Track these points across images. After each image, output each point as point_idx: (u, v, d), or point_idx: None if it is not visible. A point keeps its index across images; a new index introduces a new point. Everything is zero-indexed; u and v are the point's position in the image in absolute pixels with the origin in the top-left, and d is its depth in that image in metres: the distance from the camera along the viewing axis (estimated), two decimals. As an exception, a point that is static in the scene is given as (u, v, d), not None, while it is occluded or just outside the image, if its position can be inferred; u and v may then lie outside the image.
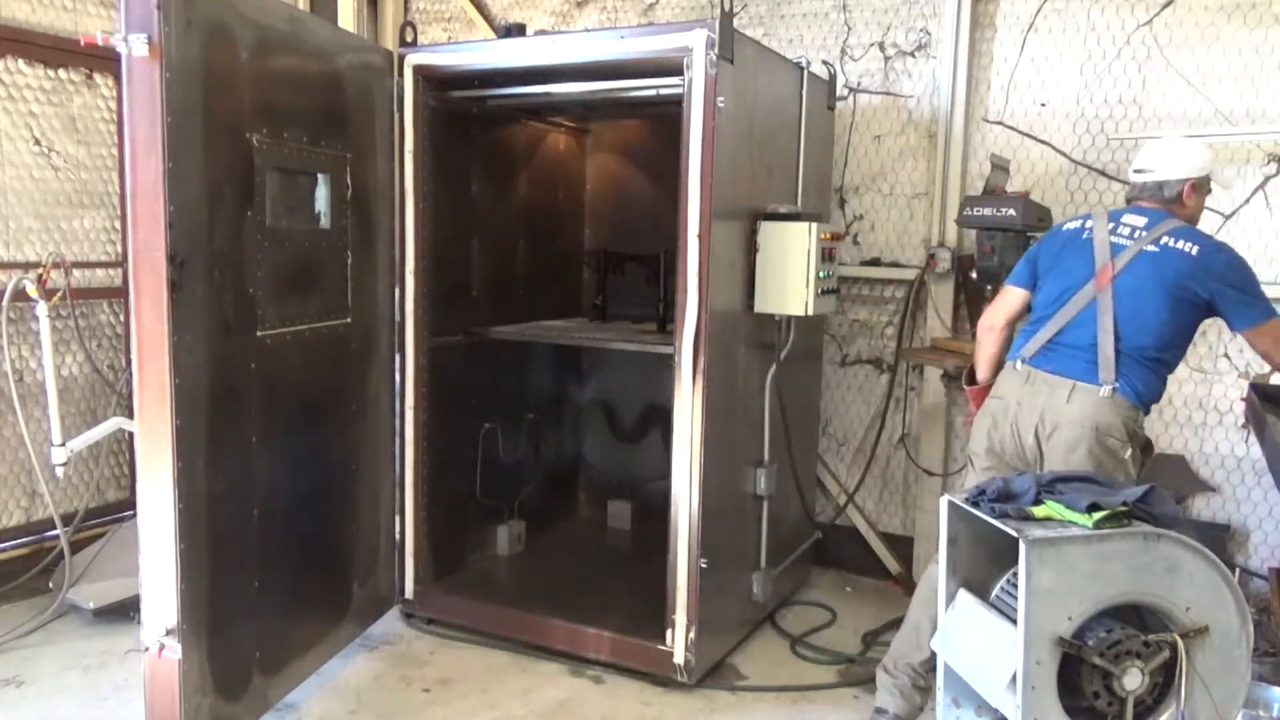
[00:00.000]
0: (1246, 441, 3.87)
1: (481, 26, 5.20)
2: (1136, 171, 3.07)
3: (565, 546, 4.71)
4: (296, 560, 3.27)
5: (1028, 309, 3.14)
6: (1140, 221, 2.94)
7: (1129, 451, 2.86)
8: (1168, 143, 3.08)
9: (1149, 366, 2.88)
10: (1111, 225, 2.96)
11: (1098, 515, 2.49)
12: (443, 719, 3.29)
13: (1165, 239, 2.87)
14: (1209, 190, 3.08)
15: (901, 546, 4.56)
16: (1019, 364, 2.98)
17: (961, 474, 3.24)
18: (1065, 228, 3.08)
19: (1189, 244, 2.85)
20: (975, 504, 2.67)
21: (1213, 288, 2.82)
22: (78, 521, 4.07)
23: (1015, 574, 2.50)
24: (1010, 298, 3.17)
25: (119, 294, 4.55)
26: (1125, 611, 2.50)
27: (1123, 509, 2.51)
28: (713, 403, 3.36)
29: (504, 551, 4.46)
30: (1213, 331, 3.89)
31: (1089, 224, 3.01)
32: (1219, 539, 3.84)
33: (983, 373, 3.20)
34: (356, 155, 3.48)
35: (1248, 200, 3.80)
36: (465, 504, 4.21)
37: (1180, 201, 2.99)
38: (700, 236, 3.25)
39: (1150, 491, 2.55)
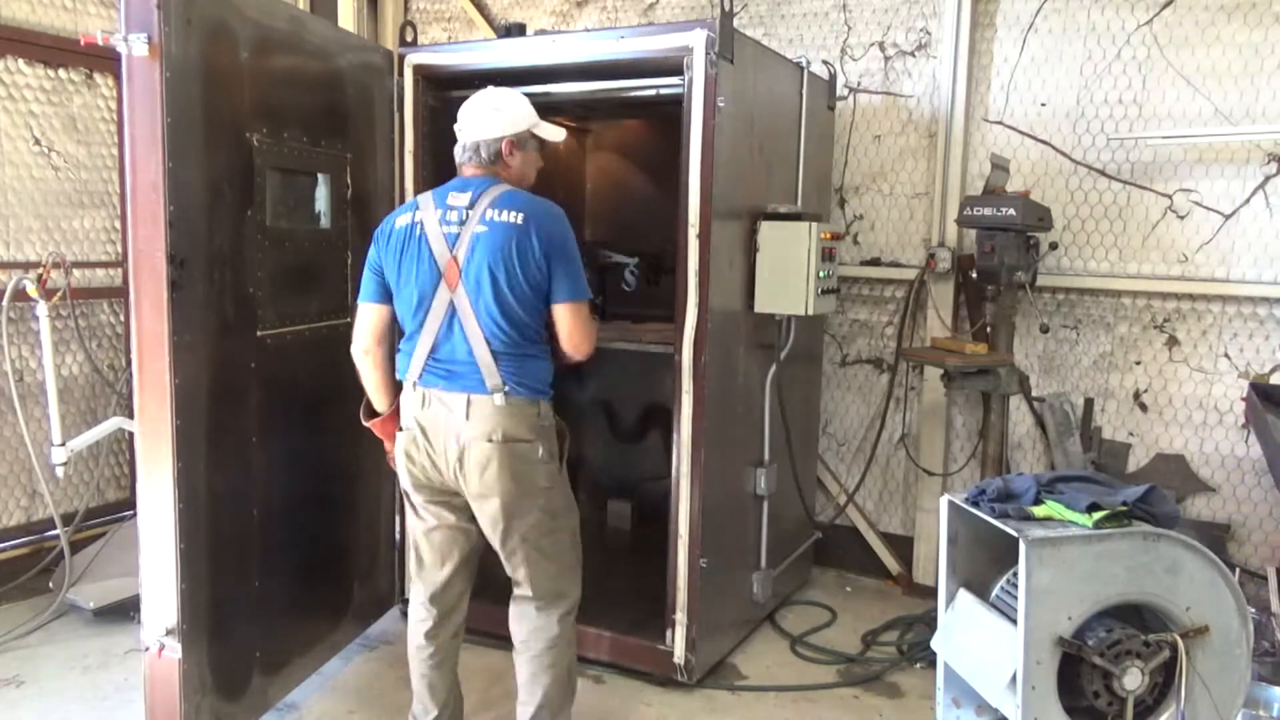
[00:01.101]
0: (1246, 441, 3.87)
1: (481, 26, 5.20)
2: (457, 132, 2.72)
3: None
4: (297, 560, 3.27)
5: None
6: (464, 200, 2.61)
7: (540, 451, 2.68)
8: (481, 97, 2.73)
9: (530, 355, 2.65)
10: (440, 212, 2.61)
11: (1098, 515, 2.49)
12: (443, 719, 3.29)
13: (490, 212, 2.57)
14: (540, 145, 2.80)
15: (901, 546, 4.56)
16: (411, 386, 2.68)
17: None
18: (396, 224, 2.67)
19: (514, 213, 2.57)
20: (975, 504, 2.67)
21: (543, 254, 2.57)
22: (78, 521, 4.07)
23: (1015, 574, 2.50)
24: (367, 316, 2.75)
25: (119, 294, 4.55)
26: (1125, 611, 2.50)
27: (1123, 509, 2.52)
28: (713, 403, 3.36)
29: (504, 551, 4.45)
30: (1213, 331, 3.89)
31: (418, 215, 2.64)
32: (1219, 539, 3.84)
33: (380, 402, 2.81)
34: (356, 155, 3.48)
35: (1248, 200, 3.80)
36: (465, 504, 4.21)
37: (503, 163, 2.69)
38: (700, 236, 3.25)
39: (1150, 491, 2.55)
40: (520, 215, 2.57)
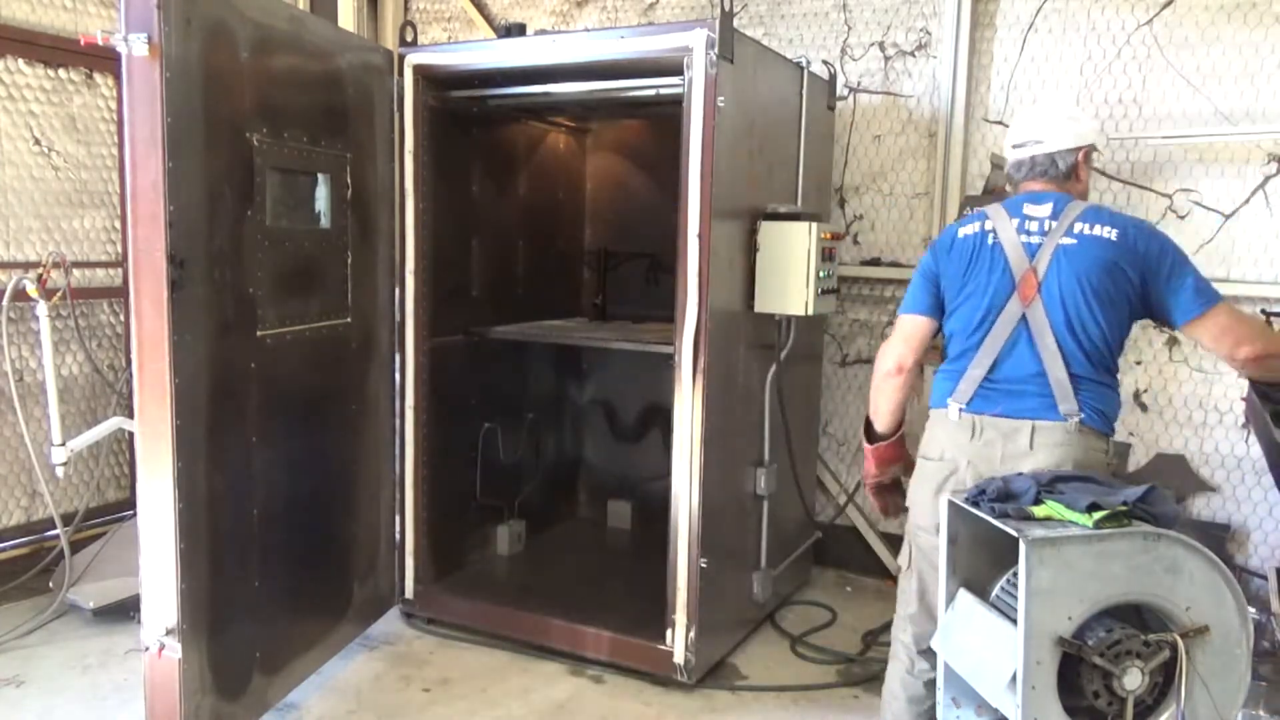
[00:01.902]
0: (1246, 441, 3.87)
1: (481, 26, 5.20)
2: (1018, 146, 2.57)
3: (565, 546, 4.72)
4: (296, 560, 3.27)
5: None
6: (1044, 210, 2.45)
7: None
8: (1051, 108, 2.61)
9: (1106, 383, 2.45)
10: (1016, 221, 2.45)
11: (1098, 515, 2.49)
12: (443, 719, 3.28)
13: (1079, 226, 2.40)
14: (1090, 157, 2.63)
15: (901, 546, 4.55)
16: (956, 412, 2.46)
17: (904, 552, 2.71)
18: (960, 234, 2.52)
19: (1107, 228, 2.39)
20: (975, 504, 2.67)
21: (1144, 271, 2.37)
22: (78, 521, 4.07)
23: (1015, 574, 2.50)
24: (916, 329, 2.57)
25: (119, 294, 4.56)
26: (1125, 611, 2.50)
27: (1123, 509, 2.52)
28: (713, 403, 3.36)
29: (504, 551, 4.46)
30: (1213, 331, 3.89)
31: (989, 224, 2.49)
32: (1219, 539, 3.84)
33: (887, 424, 2.62)
34: (356, 155, 3.48)
35: (1248, 200, 3.80)
36: (465, 504, 4.21)
37: (1076, 176, 2.52)
38: (700, 236, 3.25)
39: (1150, 491, 2.55)
40: (1115, 231, 2.38)
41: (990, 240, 2.46)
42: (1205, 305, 2.35)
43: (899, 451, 2.63)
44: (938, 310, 2.54)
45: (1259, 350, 2.35)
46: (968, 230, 2.51)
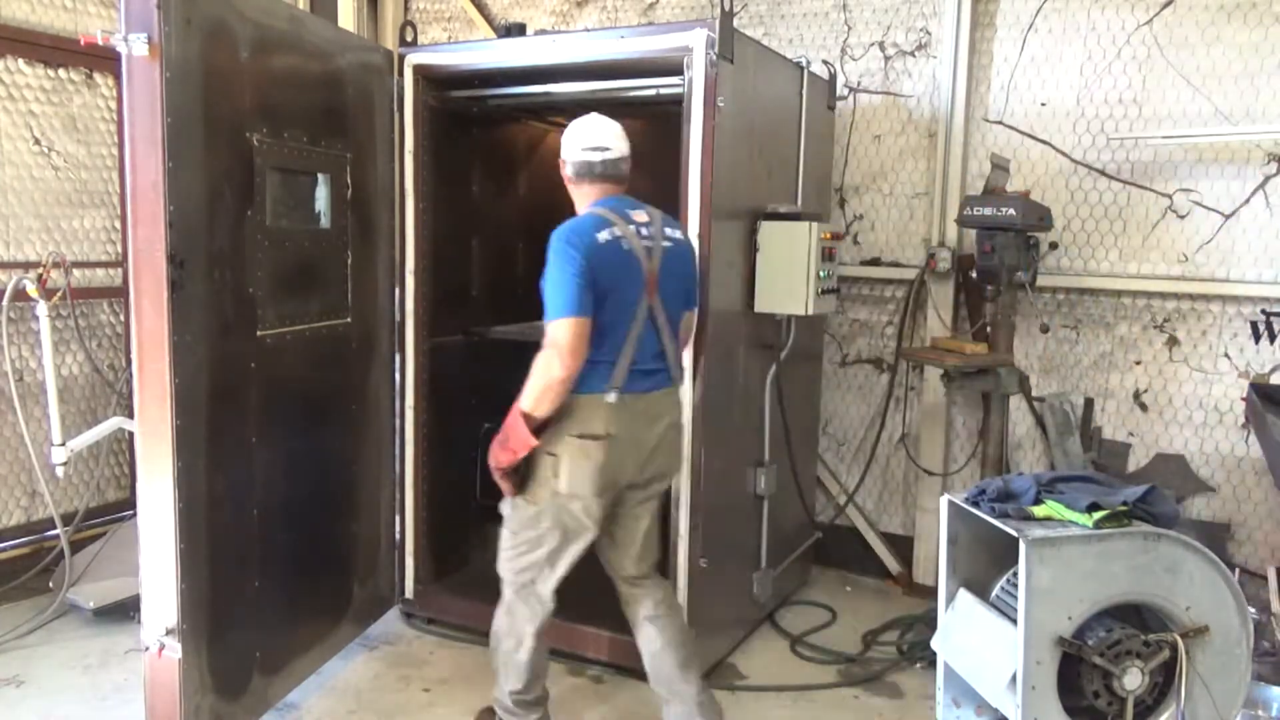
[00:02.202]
0: (1246, 441, 3.87)
1: (481, 26, 5.20)
2: (595, 149, 2.83)
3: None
4: (296, 560, 3.27)
5: None
6: (644, 216, 2.84)
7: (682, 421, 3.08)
8: (602, 119, 2.90)
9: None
10: (632, 227, 2.78)
11: (1098, 515, 2.49)
12: (443, 719, 3.28)
13: (670, 231, 2.89)
14: None
15: (901, 546, 4.56)
16: (613, 396, 2.74)
17: (545, 516, 2.84)
18: (601, 238, 2.71)
19: (676, 230, 2.95)
20: (975, 504, 2.67)
21: (694, 271, 3.01)
22: (78, 521, 4.07)
23: (1015, 574, 2.50)
24: (585, 331, 2.69)
25: (119, 294, 4.55)
26: (1125, 611, 2.50)
27: (1123, 509, 2.52)
28: (713, 402, 3.36)
29: (504, 551, 4.46)
30: (1213, 331, 3.89)
31: (615, 231, 2.74)
32: (1219, 539, 3.84)
33: (548, 409, 2.72)
34: (356, 155, 3.48)
35: (1247, 200, 3.80)
36: (465, 504, 4.21)
37: (626, 180, 2.90)
38: (700, 236, 3.25)
39: (1150, 491, 2.55)
40: (680, 232, 2.97)
41: (625, 246, 2.75)
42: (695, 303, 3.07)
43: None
44: (593, 309, 2.71)
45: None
46: (605, 235, 2.73)
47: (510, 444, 2.76)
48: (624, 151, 2.88)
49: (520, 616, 2.95)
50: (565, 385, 2.67)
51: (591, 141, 2.85)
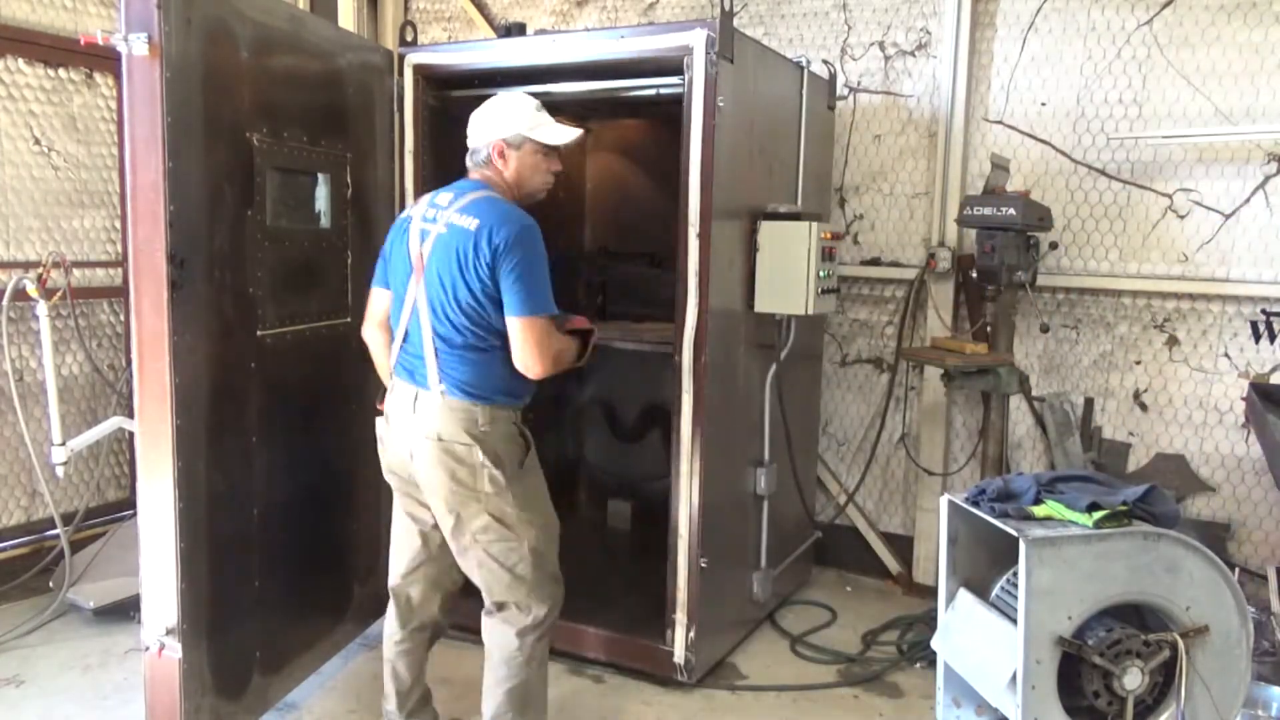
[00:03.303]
0: (1246, 441, 3.87)
1: (481, 26, 5.20)
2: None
3: (565, 546, 4.68)
4: (297, 559, 3.27)
5: None
6: (446, 199, 2.69)
7: (479, 455, 2.60)
8: (488, 103, 2.80)
9: (468, 359, 2.62)
10: (424, 209, 2.71)
11: (1098, 515, 2.49)
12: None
13: (454, 217, 2.62)
14: (542, 151, 2.79)
15: (901, 546, 4.56)
16: (390, 374, 2.79)
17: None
18: (401, 215, 2.81)
19: (471, 218, 2.59)
20: (975, 504, 2.67)
21: (492, 264, 2.55)
22: (78, 521, 4.07)
23: (1015, 574, 2.50)
24: (374, 300, 2.85)
25: (119, 293, 4.56)
26: (1125, 611, 2.50)
27: (1123, 508, 2.52)
28: (713, 402, 3.36)
29: (504, 551, 4.45)
30: (1213, 331, 3.89)
31: (411, 212, 2.76)
32: (1219, 539, 3.84)
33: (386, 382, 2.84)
34: (357, 155, 3.48)
35: (1248, 200, 3.80)
36: (465, 503, 4.20)
37: (492, 167, 2.74)
38: (700, 236, 3.25)
39: (1150, 491, 2.55)
40: (475, 222, 2.59)
41: (407, 225, 2.74)
42: (523, 312, 2.58)
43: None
44: (387, 282, 2.81)
45: (540, 372, 2.63)
46: (403, 214, 2.83)
47: None
48: (480, 138, 2.78)
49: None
50: (364, 344, 2.90)
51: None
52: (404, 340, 2.73)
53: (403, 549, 2.91)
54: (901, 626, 4.00)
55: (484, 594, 2.80)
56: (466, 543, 2.71)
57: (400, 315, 2.74)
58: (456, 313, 2.60)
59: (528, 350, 2.58)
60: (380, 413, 2.83)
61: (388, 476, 2.86)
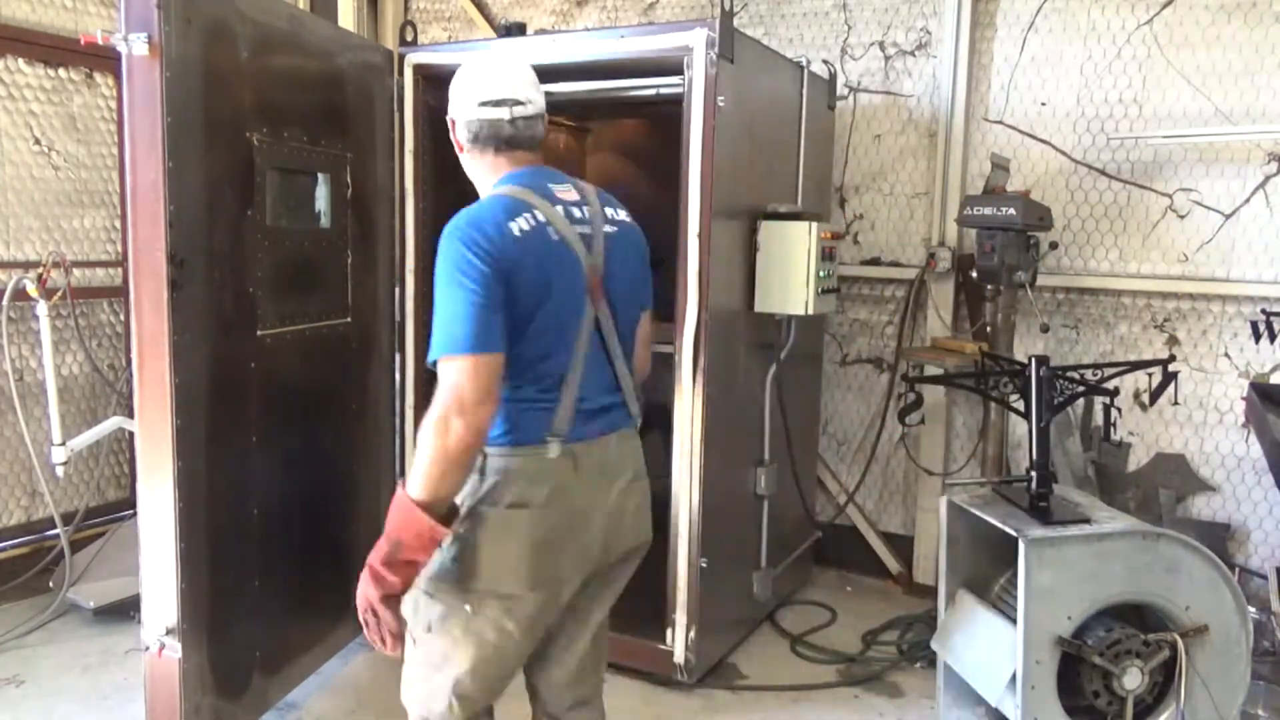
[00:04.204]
0: (1246, 441, 3.87)
1: (482, 26, 5.20)
2: (501, 103, 2.01)
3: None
4: (297, 559, 3.27)
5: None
6: (571, 193, 2.05)
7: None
8: (511, 62, 2.07)
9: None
10: (559, 209, 1.99)
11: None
12: (443, 718, 3.29)
13: (609, 211, 2.11)
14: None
15: (902, 546, 4.56)
16: (555, 448, 1.95)
17: (453, 622, 2.00)
18: (515, 230, 1.89)
19: (620, 211, 2.16)
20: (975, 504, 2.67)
21: (647, 263, 2.19)
22: (78, 521, 4.07)
23: (1015, 574, 2.50)
24: (498, 369, 1.86)
25: (119, 293, 4.55)
26: (1125, 611, 2.50)
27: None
28: (713, 402, 3.36)
29: (504, 551, 4.45)
30: (1213, 331, 3.89)
31: (538, 216, 1.94)
32: (1219, 538, 3.84)
33: (450, 491, 1.88)
34: (357, 155, 3.48)
35: (1248, 200, 3.80)
36: (465, 503, 4.21)
37: (544, 145, 2.10)
38: (700, 236, 3.25)
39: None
40: (627, 214, 2.16)
41: (554, 236, 1.95)
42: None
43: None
44: (507, 335, 1.87)
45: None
46: (525, 224, 1.91)
47: (405, 552, 1.85)
48: (540, 106, 2.06)
49: None
50: (470, 455, 1.86)
51: (495, 92, 2.01)
52: (584, 387, 2.00)
53: (502, 681, 2.11)
54: (901, 626, 4.00)
55: (585, 680, 2.28)
56: (602, 622, 2.24)
57: (571, 355, 1.98)
58: (635, 322, 2.14)
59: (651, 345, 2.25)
60: (523, 506, 1.95)
61: (534, 590, 1.97)
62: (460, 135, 2.08)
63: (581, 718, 2.26)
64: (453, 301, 1.83)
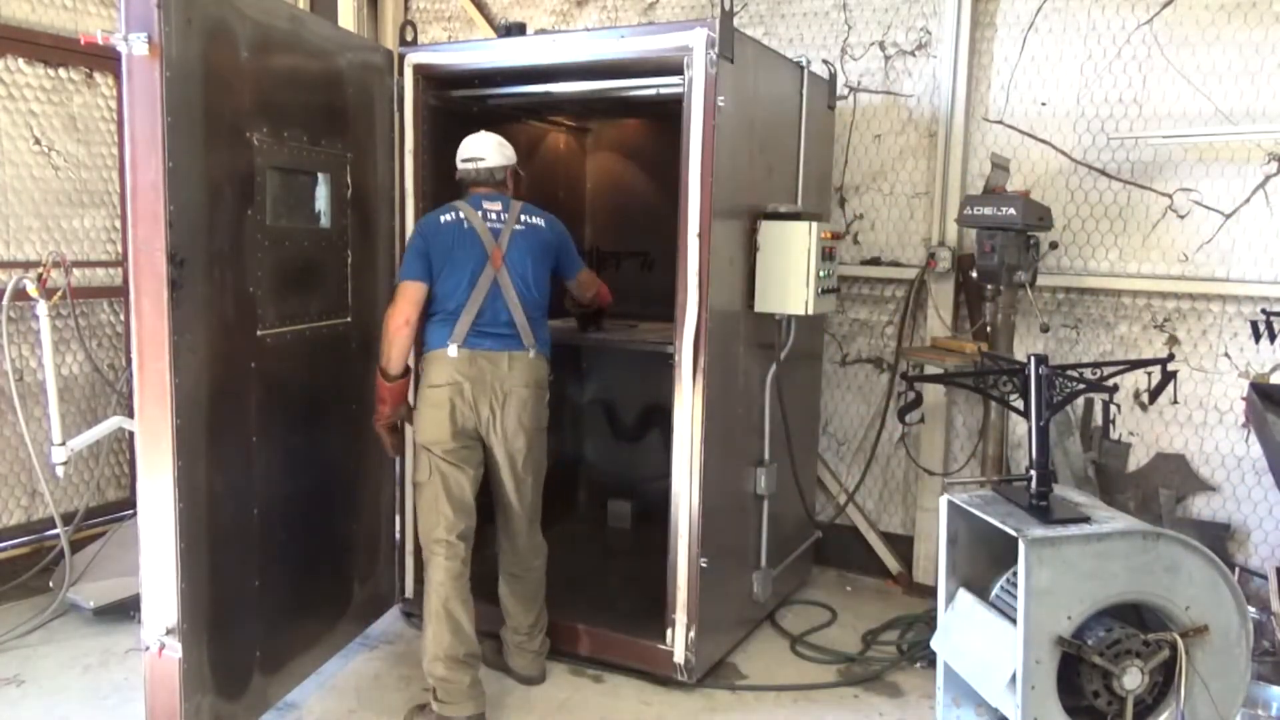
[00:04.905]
0: (1246, 441, 3.87)
1: (481, 26, 5.20)
2: (469, 160, 3.36)
3: (565, 546, 4.69)
4: (297, 559, 3.27)
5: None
6: (497, 206, 3.31)
7: (547, 396, 3.39)
8: (487, 135, 3.41)
9: (543, 322, 3.38)
10: (480, 213, 3.27)
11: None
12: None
13: (524, 217, 3.34)
14: (520, 176, 3.48)
15: (901, 546, 4.56)
16: (454, 349, 3.20)
17: (421, 467, 3.28)
18: (443, 220, 3.26)
19: (538, 219, 3.37)
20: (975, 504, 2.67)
21: (558, 248, 3.43)
22: (78, 521, 4.07)
23: (1015, 574, 2.50)
24: (418, 293, 3.23)
25: (119, 293, 4.56)
26: (1125, 611, 2.50)
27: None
28: (713, 402, 3.36)
29: (504, 551, 4.45)
30: (1213, 331, 3.89)
31: (462, 214, 3.26)
32: (1219, 538, 3.85)
33: (399, 367, 3.26)
34: (357, 154, 3.48)
35: (1248, 200, 3.80)
36: (465, 503, 4.20)
37: (506, 184, 3.40)
38: (700, 236, 3.25)
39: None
40: (543, 221, 3.39)
41: (466, 225, 3.25)
42: (579, 268, 3.59)
43: (406, 391, 3.34)
44: (429, 277, 3.23)
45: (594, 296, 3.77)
46: (448, 218, 3.26)
47: (378, 397, 3.27)
48: (498, 161, 3.36)
49: (434, 567, 3.21)
50: (400, 334, 3.18)
51: (467, 154, 3.36)
52: (478, 316, 3.22)
53: (466, 494, 3.26)
54: (901, 626, 4.00)
55: (521, 509, 3.38)
56: (528, 470, 3.36)
57: (469, 296, 3.21)
58: (537, 288, 3.33)
59: (592, 285, 3.75)
60: (405, 388, 3.32)
61: (448, 440, 3.20)
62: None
63: (515, 540, 3.44)
64: (405, 255, 3.31)
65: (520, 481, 3.34)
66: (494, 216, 3.30)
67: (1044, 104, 4.14)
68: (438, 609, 3.17)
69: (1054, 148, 4.13)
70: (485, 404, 3.22)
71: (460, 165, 3.38)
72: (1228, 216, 3.84)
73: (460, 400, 3.21)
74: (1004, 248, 3.67)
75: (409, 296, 3.21)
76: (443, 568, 3.19)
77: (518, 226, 3.33)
